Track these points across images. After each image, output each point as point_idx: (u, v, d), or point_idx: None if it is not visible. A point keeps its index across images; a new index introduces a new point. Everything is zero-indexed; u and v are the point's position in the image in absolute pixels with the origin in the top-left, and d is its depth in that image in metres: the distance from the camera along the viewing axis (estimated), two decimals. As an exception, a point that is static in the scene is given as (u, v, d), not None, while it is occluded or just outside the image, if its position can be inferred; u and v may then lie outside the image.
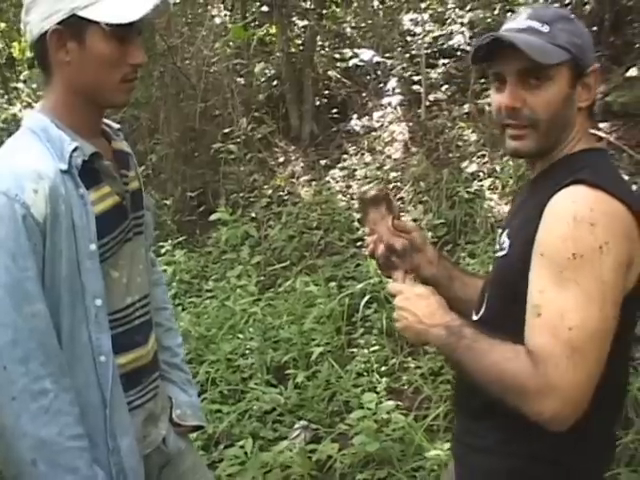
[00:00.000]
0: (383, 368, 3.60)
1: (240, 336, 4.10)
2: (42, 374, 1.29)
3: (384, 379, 3.43)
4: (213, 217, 5.48)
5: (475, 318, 1.43)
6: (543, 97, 1.28)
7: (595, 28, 6.15)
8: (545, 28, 1.28)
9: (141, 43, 1.46)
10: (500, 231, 1.47)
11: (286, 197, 6.11)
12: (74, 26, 1.36)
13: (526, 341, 1.21)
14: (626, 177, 4.51)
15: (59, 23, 1.36)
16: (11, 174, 1.32)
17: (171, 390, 1.74)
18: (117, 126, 1.64)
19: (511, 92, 1.30)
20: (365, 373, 3.57)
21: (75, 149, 1.38)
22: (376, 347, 3.73)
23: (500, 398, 1.23)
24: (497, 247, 1.43)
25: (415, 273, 1.52)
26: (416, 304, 1.34)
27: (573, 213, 1.19)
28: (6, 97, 8.12)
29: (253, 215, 5.92)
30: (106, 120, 1.59)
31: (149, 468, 1.56)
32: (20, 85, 7.95)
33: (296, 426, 3.28)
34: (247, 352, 3.98)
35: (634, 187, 4.42)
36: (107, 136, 1.56)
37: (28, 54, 8.15)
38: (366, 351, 3.70)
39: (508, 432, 1.33)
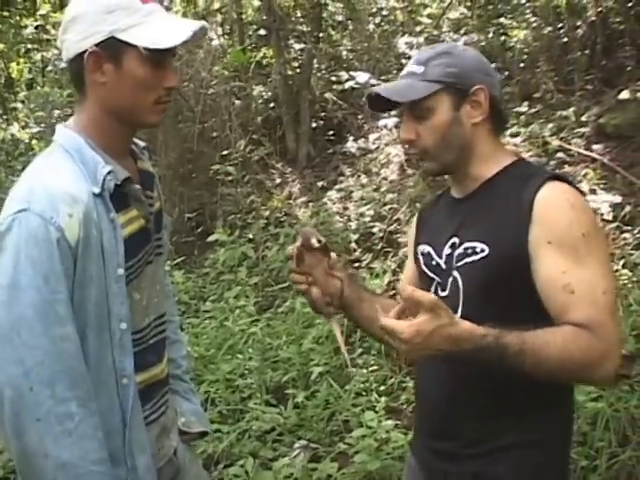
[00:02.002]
0: (382, 387, 3.62)
1: (239, 356, 4.12)
2: (68, 397, 1.29)
3: (383, 398, 3.45)
4: (211, 238, 5.51)
5: None
6: (428, 126, 1.46)
7: (587, 51, 6.25)
8: (420, 69, 1.47)
9: (174, 66, 1.48)
10: (442, 243, 1.53)
11: (283, 218, 6.15)
12: (112, 48, 1.37)
13: (567, 317, 1.31)
14: (619, 198, 4.57)
15: (97, 44, 1.37)
16: (46, 195, 1.31)
17: (174, 400, 1.74)
18: (143, 144, 1.63)
19: (405, 127, 1.50)
20: (364, 393, 3.59)
21: (109, 172, 1.38)
22: (375, 367, 3.75)
23: (563, 378, 1.35)
24: (454, 254, 1.48)
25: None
26: (433, 341, 1.23)
27: (568, 201, 1.37)
28: (4, 117, 8.16)
29: (250, 236, 5.95)
30: (134, 139, 1.58)
31: None
32: (18, 105, 8.00)
33: (296, 445, 3.30)
34: (246, 372, 3.99)
35: (627, 208, 4.48)
36: (134, 155, 1.57)
37: (26, 75, 8.24)
38: (365, 371, 3.72)
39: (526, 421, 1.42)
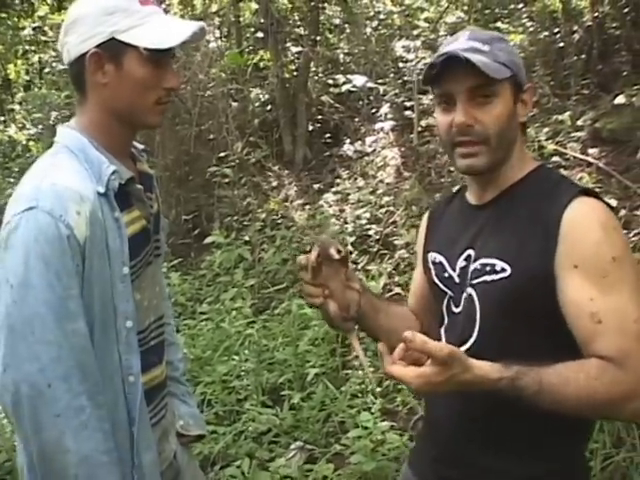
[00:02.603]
0: (378, 389, 3.63)
1: (235, 358, 4.13)
2: (80, 391, 1.31)
3: (379, 400, 3.46)
4: (208, 240, 5.52)
5: (463, 349, 1.31)
6: (493, 113, 1.32)
7: (583, 56, 6.29)
8: (486, 47, 1.32)
9: (174, 67, 1.50)
10: (456, 254, 1.44)
11: (280, 221, 6.16)
12: (113, 49, 1.39)
13: (593, 348, 1.21)
14: (615, 202, 4.59)
15: (98, 45, 1.39)
16: (54, 193, 1.32)
17: (172, 402, 1.75)
18: (142, 147, 1.66)
19: (464, 109, 1.32)
20: (360, 394, 3.60)
21: (113, 172, 1.40)
22: (370, 369, 3.76)
23: (589, 416, 1.27)
24: (469, 269, 1.39)
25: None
26: (446, 387, 1.17)
27: (598, 221, 1.25)
28: (1, 119, 8.16)
29: (247, 238, 5.96)
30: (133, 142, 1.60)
31: None
32: (16, 107, 8.00)
33: (292, 447, 3.31)
34: (242, 374, 4.00)
35: (623, 212, 4.50)
36: (133, 157, 1.58)
37: (24, 76, 8.24)
38: (360, 372, 3.73)
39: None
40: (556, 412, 1.21)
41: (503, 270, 1.31)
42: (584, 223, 1.25)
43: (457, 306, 1.43)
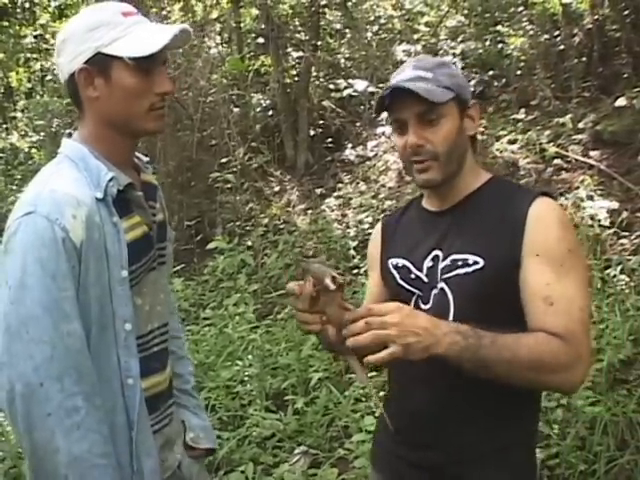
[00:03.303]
0: (381, 393, 3.62)
1: (239, 363, 4.13)
2: (75, 391, 1.32)
3: (382, 404, 3.45)
4: (211, 245, 5.53)
5: None
6: (440, 133, 1.47)
7: (584, 59, 6.30)
8: (429, 74, 1.47)
9: (166, 72, 1.52)
10: (421, 256, 1.54)
11: (282, 226, 6.17)
12: (100, 63, 1.43)
13: (541, 326, 1.37)
14: (616, 204, 4.60)
15: (86, 62, 1.43)
16: (51, 199, 1.36)
17: (183, 414, 1.76)
18: (146, 159, 1.69)
19: (414, 132, 1.47)
20: (363, 399, 3.60)
21: (111, 179, 1.43)
22: (373, 373, 3.76)
23: (532, 381, 1.37)
24: (438, 267, 1.49)
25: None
26: (414, 321, 1.30)
27: (558, 218, 1.44)
28: (4, 126, 8.19)
29: (249, 244, 5.98)
30: (137, 153, 1.64)
31: None
32: (18, 114, 8.03)
33: (296, 451, 3.31)
34: (246, 379, 4.00)
35: (625, 214, 4.51)
36: (137, 168, 1.61)
37: (25, 84, 8.26)
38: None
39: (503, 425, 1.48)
40: (508, 378, 1.34)
41: (476, 263, 1.44)
42: (546, 218, 1.42)
43: (426, 303, 1.52)
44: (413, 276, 1.56)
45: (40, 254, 1.32)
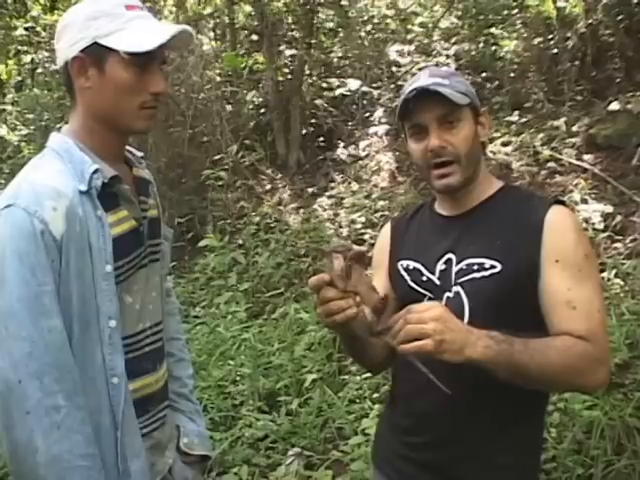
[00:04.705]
0: (375, 395, 3.61)
1: (231, 363, 4.09)
2: (55, 390, 1.28)
3: (376, 406, 3.44)
4: (202, 243, 5.49)
5: None
6: (460, 135, 1.50)
7: (577, 63, 6.31)
8: (446, 81, 1.51)
9: (163, 72, 1.48)
10: (433, 259, 1.54)
11: (273, 224, 6.13)
12: (95, 53, 1.40)
13: (565, 329, 1.40)
14: (610, 208, 4.61)
15: (82, 51, 1.40)
16: (31, 191, 1.34)
17: (179, 419, 1.72)
18: (140, 154, 1.65)
19: (436, 134, 1.49)
20: (357, 400, 3.58)
21: (95, 171, 1.39)
22: (368, 374, 3.74)
23: (561, 383, 1.44)
24: (452, 271, 1.50)
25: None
26: (454, 320, 1.30)
27: (574, 225, 1.48)
28: (-7, 119, 8.07)
29: (240, 242, 5.93)
30: (130, 148, 1.60)
31: None
32: (8, 107, 7.93)
33: (290, 453, 3.27)
34: (238, 379, 3.97)
35: (618, 217, 4.52)
36: (129, 163, 1.57)
37: (15, 76, 8.17)
38: (358, 378, 3.71)
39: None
40: (538, 381, 1.36)
41: (493, 267, 1.46)
42: (563, 226, 1.46)
43: None
44: (425, 278, 1.56)
45: (18, 247, 1.29)
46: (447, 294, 1.50)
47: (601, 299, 1.47)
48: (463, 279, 1.49)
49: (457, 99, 1.47)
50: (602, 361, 1.41)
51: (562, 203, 1.52)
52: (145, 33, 1.41)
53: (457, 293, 1.49)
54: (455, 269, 1.51)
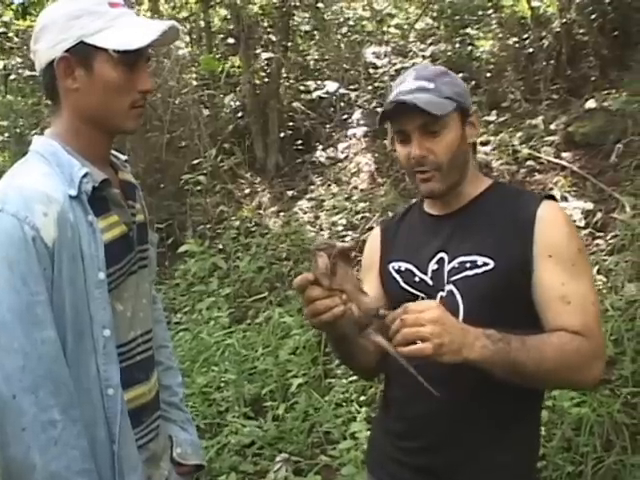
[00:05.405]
0: (362, 398, 3.58)
1: (215, 369, 4.04)
2: (51, 404, 1.24)
3: (364, 409, 3.41)
4: (182, 249, 5.43)
5: None
6: (442, 143, 1.48)
7: (553, 62, 6.36)
8: (431, 85, 1.48)
9: (148, 70, 1.45)
10: (425, 259, 1.53)
11: (254, 228, 6.09)
12: (82, 53, 1.36)
13: (561, 324, 1.39)
14: (591, 205, 4.63)
15: (67, 50, 1.35)
16: (20, 197, 1.28)
17: (171, 429, 1.68)
18: (124, 157, 1.61)
19: (418, 144, 1.48)
20: (344, 403, 3.55)
21: (85, 175, 1.35)
22: (354, 377, 3.71)
23: (557, 379, 1.42)
24: (444, 270, 1.49)
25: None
26: (451, 320, 1.28)
27: (566, 220, 1.48)
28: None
29: (221, 247, 5.88)
30: (114, 152, 1.55)
31: None
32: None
33: (277, 459, 3.24)
34: (223, 385, 3.92)
35: (599, 214, 4.54)
36: (114, 166, 1.53)
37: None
38: (344, 381, 3.68)
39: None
40: (534, 379, 1.35)
41: (485, 264, 1.45)
42: (555, 221, 1.45)
43: None
44: (417, 279, 1.54)
45: (8, 254, 1.23)
46: (440, 293, 1.49)
47: (595, 293, 1.47)
48: (456, 277, 1.48)
49: (438, 109, 1.43)
50: (598, 356, 1.40)
51: (552, 198, 1.52)
52: (133, 31, 1.38)
53: (450, 292, 1.48)
54: (447, 268, 1.50)
